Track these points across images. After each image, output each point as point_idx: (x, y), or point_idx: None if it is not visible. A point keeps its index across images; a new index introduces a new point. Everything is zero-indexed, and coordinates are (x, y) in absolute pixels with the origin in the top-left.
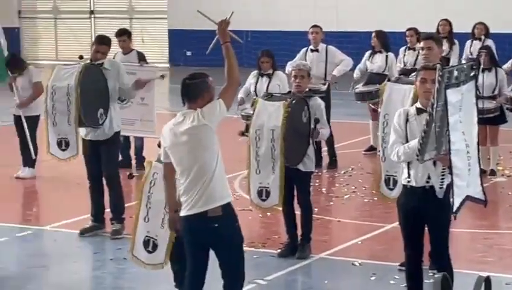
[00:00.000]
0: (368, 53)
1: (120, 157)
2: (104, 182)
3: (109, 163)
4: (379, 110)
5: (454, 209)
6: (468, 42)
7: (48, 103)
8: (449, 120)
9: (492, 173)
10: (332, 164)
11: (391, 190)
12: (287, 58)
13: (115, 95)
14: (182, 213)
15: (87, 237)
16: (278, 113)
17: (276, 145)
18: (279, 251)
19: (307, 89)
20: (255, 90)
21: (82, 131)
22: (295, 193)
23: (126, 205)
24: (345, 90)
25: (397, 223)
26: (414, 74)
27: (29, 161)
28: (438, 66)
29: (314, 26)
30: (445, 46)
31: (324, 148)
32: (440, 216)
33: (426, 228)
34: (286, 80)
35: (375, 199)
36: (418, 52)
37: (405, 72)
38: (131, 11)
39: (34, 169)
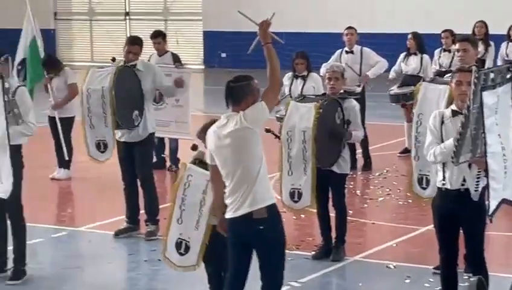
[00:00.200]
0: (402, 55)
1: (154, 159)
2: (139, 183)
3: (143, 165)
4: (413, 111)
5: (490, 212)
6: (504, 44)
7: (83, 106)
8: (485, 122)
9: None
10: (367, 166)
11: (424, 189)
12: (321, 60)
13: (149, 96)
14: (228, 215)
15: (121, 238)
16: (309, 114)
17: (307, 147)
18: (313, 253)
19: (342, 91)
20: (290, 92)
21: (116, 133)
22: (330, 195)
23: (160, 206)
24: (379, 92)
25: (432, 225)
26: (449, 75)
27: (64, 162)
28: (474, 68)
29: (349, 27)
30: (481, 47)
31: (358, 150)
32: (475, 219)
33: (461, 231)
34: (321, 81)
35: (410, 201)
36: (454, 54)
37: (440, 74)
38: (166, 12)
39: (69, 170)
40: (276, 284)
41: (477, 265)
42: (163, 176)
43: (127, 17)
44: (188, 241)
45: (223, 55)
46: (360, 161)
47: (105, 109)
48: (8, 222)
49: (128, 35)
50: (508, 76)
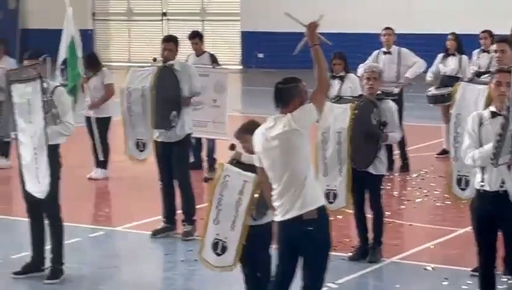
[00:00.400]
0: (440, 56)
1: (191, 159)
2: (176, 183)
3: (180, 165)
4: (451, 111)
5: None
6: None
7: (124, 105)
8: None
9: None
10: (404, 167)
11: (463, 190)
12: (358, 61)
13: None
14: (277, 219)
15: (158, 238)
16: (344, 115)
17: (342, 148)
18: (350, 254)
19: (379, 92)
20: None
21: (154, 132)
22: (366, 196)
23: (197, 206)
24: (417, 92)
25: (470, 227)
26: (487, 75)
27: (101, 162)
28: None
29: (387, 28)
30: None
31: (396, 151)
32: None
33: (500, 233)
34: (358, 82)
35: (448, 202)
36: (492, 55)
37: (479, 75)
38: (204, 13)
39: (107, 170)
40: (317, 285)
41: None
42: (200, 176)
43: (164, 18)
44: (225, 242)
45: (260, 55)
46: (398, 162)
47: (144, 109)
48: (46, 222)
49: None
50: None
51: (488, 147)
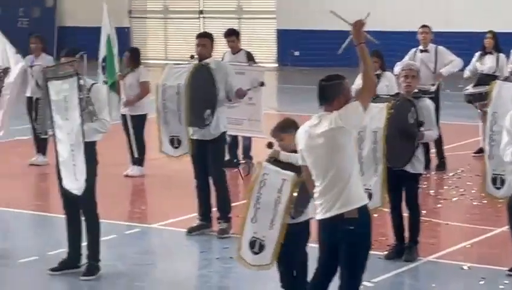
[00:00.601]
0: (477, 54)
1: (227, 157)
2: (211, 181)
3: (215, 162)
4: (486, 109)
5: None
6: None
7: (158, 102)
8: None
9: None
10: (441, 165)
11: (498, 189)
12: (395, 59)
13: (222, 95)
14: (318, 217)
15: (194, 235)
16: (381, 114)
17: (378, 147)
18: (386, 253)
19: (416, 90)
20: None
21: (189, 130)
22: (403, 195)
23: (233, 204)
24: (454, 91)
25: (507, 226)
26: None
27: (137, 159)
28: None
29: (424, 26)
30: None
31: (432, 150)
32: None
33: None
34: (394, 80)
35: (485, 201)
36: None
37: None
38: (240, 11)
39: (143, 167)
40: (355, 284)
41: None
42: (235, 174)
43: (201, 16)
44: (263, 241)
45: (296, 53)
46: (434, 161)
47: (179, 106)
48: (82, 218)
49: None
50: None
51: None
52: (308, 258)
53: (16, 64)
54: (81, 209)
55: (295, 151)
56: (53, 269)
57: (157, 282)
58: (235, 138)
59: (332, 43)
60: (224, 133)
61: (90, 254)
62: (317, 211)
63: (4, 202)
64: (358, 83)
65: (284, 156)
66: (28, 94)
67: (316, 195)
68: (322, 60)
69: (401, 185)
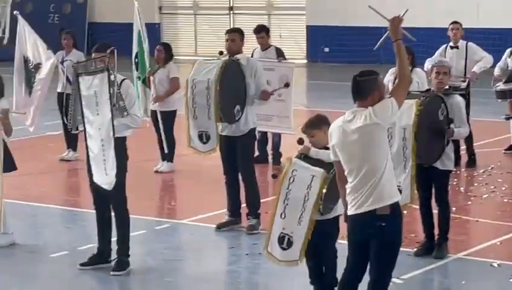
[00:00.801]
0: (508, 50)
1: (256, 153)
2: (240, 177)
3: (244, 159)
4: None
5: None
6: None
7: (188, 97)
8: None
9: None
10: (471, 162)
11: None
12: (425, 55)
13: (252, 91)
14: (349, 212)
15: (223, 231)
16: (410, 111)
17: (407, 144)
18: (415, 249)
19: (447, 86)
20: None
21: (218, 126)
22: (433, 191)
23: (262, 200)
24: (485, 88)
25: None
26: None
27: (167, 155)
28: None
29: (454, 22)
30: None
31: (463, 147)
32: None
33: None
34: (425, 77)
35: None
36: None
37: None
38: (270, 7)
39: (173, 163)
40: (385, 281)
41: None
42: (264, 170)
43: (231, 12)
44: (291, 236)
45: (326, 49)
46: (464, 158)
47: (209, 101)
48: (113, 214)
49: None
50: None
51: None
52: (337, 255)
53: (47, 60)
54: (111, 204)
55: (326, 148)
56: (83, 264)
57: (186, 278)
58: (265, 134)
59: (362, 40)
60: (253, 129)
61: (120, 249)
62: (349, 207)
63: (35, 197)
64: (387, 79)
65: (314, 152)
66: (59, 90)
67: (348, 191)
68: (351, 56)
69: (431, 182)
